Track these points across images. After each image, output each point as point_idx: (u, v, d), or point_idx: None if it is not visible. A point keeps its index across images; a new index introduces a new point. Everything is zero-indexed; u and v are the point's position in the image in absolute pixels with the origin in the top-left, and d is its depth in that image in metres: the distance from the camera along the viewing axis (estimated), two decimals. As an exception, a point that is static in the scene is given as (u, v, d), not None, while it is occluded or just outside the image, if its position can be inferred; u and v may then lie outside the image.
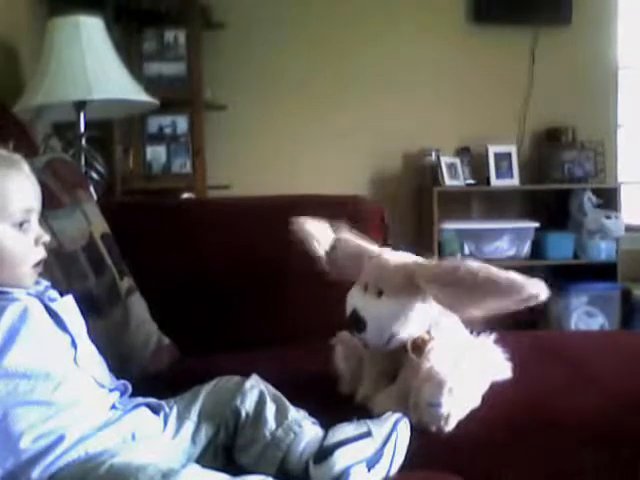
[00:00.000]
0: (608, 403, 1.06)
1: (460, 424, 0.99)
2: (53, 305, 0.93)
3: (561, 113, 3.56)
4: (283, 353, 1.35)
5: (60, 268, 1.11)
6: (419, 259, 1.10)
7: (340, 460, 0.86)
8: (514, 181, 3.43)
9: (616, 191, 3.39)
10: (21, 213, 0.92)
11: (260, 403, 0.96)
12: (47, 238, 0.95)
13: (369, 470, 0.87)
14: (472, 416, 1.00)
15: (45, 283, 0.97)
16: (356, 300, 1.07)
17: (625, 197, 3.44)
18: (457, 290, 0.98)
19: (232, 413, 0.95)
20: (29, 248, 0.93)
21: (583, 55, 3.61)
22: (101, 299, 1.16)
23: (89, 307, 1.13)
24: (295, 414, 0.95)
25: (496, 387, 1.09)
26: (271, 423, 0.94)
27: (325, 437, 0.90)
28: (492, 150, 3.43)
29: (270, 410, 0.95)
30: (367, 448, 0.88)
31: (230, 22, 3.37)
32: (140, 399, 0.95)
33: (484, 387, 1.07)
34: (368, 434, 0.90)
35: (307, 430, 0.93)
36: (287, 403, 0.97)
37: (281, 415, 0.95)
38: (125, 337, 1.27)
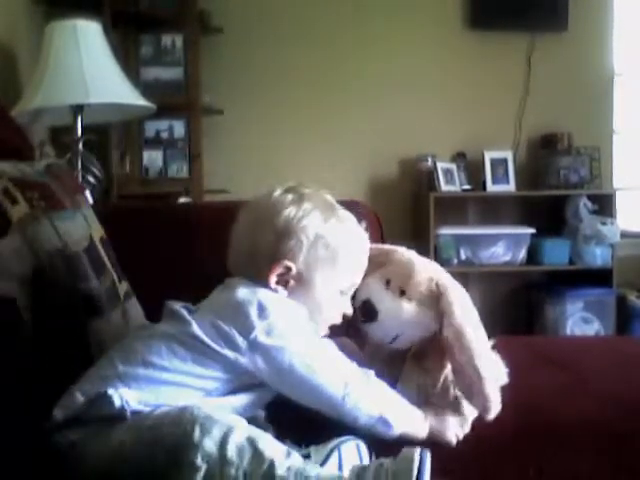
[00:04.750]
0: (605, 407, 1.06)
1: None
2: None
3: (557, 119, 3.58)
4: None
5: (65, 268, 1.11)
6: (443, 274, 1.09)
7: None
8: (510, 187, 3.43)
9: (612, 197, 3.40)
10: (351, 283, 1.03)
11: None
12: (350, 313, 1.04)
13: None
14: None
15: None
16: (373, 291, 1.07)
17: (621, 203, 3.45)
18: (458, 352, 1.00)
19: None
20: (337, 315, 1.03)
21: (579, 61, 3.63)
22: (102, 300, 1.17)
23: (91, 308, 1.14)
24: None
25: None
26: None
27: None
28: (488, 156, 3.44)
29: None
30: None
31: (227, 27, 3.38)
32: None
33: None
34: (307, 456, 0.90)
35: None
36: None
37: None
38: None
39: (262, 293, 0.95)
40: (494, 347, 1.16)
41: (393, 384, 1.02)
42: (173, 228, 1.65)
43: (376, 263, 1.10)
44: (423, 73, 3.56)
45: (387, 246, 1.17)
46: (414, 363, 1.06)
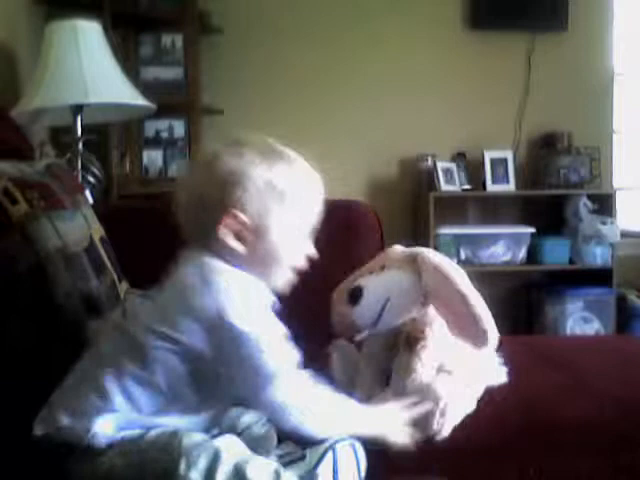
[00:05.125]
0: (605, 407, 1.06)
1: (455, 429, 0.99)
2: None
3: (557, 119, 3.57)
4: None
5: (65, 268, 1.11)
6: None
7: None
8: (510, 186, 3.43)
9: (611, 197, 3.39)
10: (309, 224, 1.01)
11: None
12: (315, 255, 1.02)
13: None
14: (467, 420, 1.01)
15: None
16: (359, 278, 1.13)
17: (620, 203, 3.44)
18: (443, 291, 1.05)
19: None
20: (300, 258, 1.00)
21: (579, 61, 3.62)
22: (102, 300, 1.17)
23: (91, 307, 1.14)
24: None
25: (491, 392, 1.09)
26: None
27: None
28: (488, 155, 3.43)
29: None
30: (299, 469, 0.90)
31: (227, 27, 3.37)
32: None
33: (479, 391, 1.08)
34: (302, 457, 0.91)
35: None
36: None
37: None
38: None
39: (207, 271, 0.92)
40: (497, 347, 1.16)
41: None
42: (173, 228, 1.65)
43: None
44: (423, 73, 3.56)
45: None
46: (406, 351, 1.07)
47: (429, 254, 1.10)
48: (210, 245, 0.95)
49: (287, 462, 0.91)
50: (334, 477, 0.90)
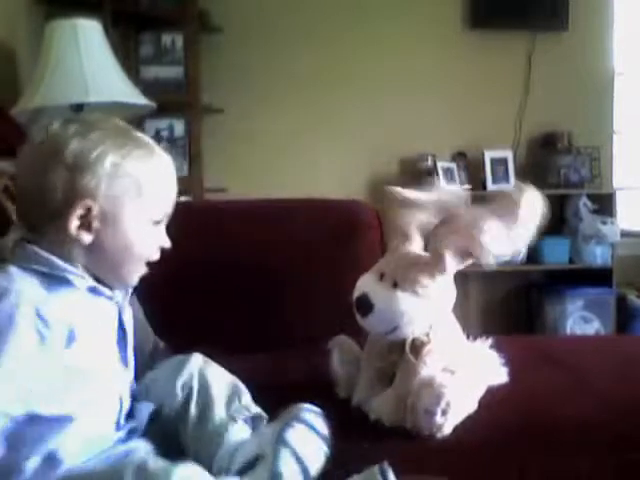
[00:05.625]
0: (605, 407, 1.06)
1: (456, 428, 0.99)
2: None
3: (557, 118, 3.57)
4: (278, 357, 1.35)
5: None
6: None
7: None
8: (510, 186, 3.43)
9: (612, 197, 3.40)
10: (163, 212, 0.94)
11: (186, 401, 0.96)
12: (169, 245, 0.97)
13: None
14: (468, 420, 1.01)
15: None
16: (368, 285, 1.08)
17: (621, 203, 3.44)
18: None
19: (173, 389, 0.96)
20: (153, 249, 0.95)
21: (579, 61, 3.62)
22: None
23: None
24: (220, 413, 0.94)
25: (491, 391, 1.09)
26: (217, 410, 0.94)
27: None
28: (488, 155, 3.43)
29: (193, 410, 0.95)
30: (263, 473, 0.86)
31: (227, 26, 3.37)
32: None
33: (480, 391, 1.08)
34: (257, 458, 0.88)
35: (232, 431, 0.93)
36: (215, 400, 0.95)
37: (203, 415, 0.95)
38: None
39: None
40: (492, 346, 1.17)
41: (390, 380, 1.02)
42: (172, 227, 1.65)
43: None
44: (423, 72, 3.56)
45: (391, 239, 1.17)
46: (412, 356, 1.06)
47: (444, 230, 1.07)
48: (51, 234, 0.87)
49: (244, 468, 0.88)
50: (298, 463, 0.87)
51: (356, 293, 1.07)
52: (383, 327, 1.06)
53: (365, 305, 1.05)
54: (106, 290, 0.92)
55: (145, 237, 0.93)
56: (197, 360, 0.99)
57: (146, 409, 0.95)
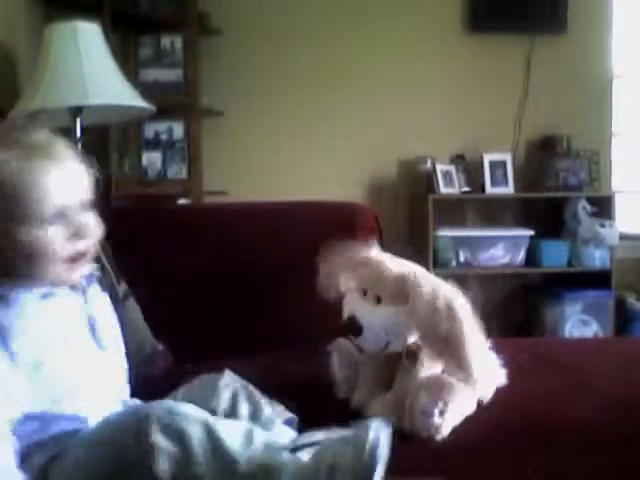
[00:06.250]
0: (605, 408, 1.06)
1: (455, 429, 0.99)
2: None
3: (556, 121, 3.58)
4: (279, 359, 1.35)
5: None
6: (417, 269, 1.10)
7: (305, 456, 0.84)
8: (509, 189, 3.43)
9: (610, 200, 3.40)
10: (54, 209, 0.91)
11: (234, 402, 0.97)
12: (93, 230, 0.94)
13: None
14: (467, 422, 1.01)
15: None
16: (354, 305, 1.08)
17: (619, 206, 3.45)
18: (430, 326, 1.01)
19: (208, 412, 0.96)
20: (59, 244, 0.91)
21: (578, 63, 3.63)
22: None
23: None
24: (269, 412, 0.96)
25: (492, 392, 1.09)
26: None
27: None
28: (487, 158, 3.43)
29: (243, 408, 0.96)
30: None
31: (227, 29, 3.37)
32: None
33: (479, 393, 1.08)
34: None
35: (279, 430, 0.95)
36: (261, 400, 0.98)
37: (255, 413, 0.96)
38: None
39: None
40: (491, 348, 1.16)
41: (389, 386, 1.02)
42: (172, 229, 1.65)
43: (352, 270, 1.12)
44: (422, 75, 3.56)
45: (360, 253, 1.16)
46: (409, 362, 1.06)
47: (420, 288, 1.03)
48: None
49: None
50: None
51: (345, 314, 1.09)
52: (377, 346, 1.07)
53: (355, 328, 1.06)
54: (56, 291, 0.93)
55: (51, 240, 0.90)
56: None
57: None
